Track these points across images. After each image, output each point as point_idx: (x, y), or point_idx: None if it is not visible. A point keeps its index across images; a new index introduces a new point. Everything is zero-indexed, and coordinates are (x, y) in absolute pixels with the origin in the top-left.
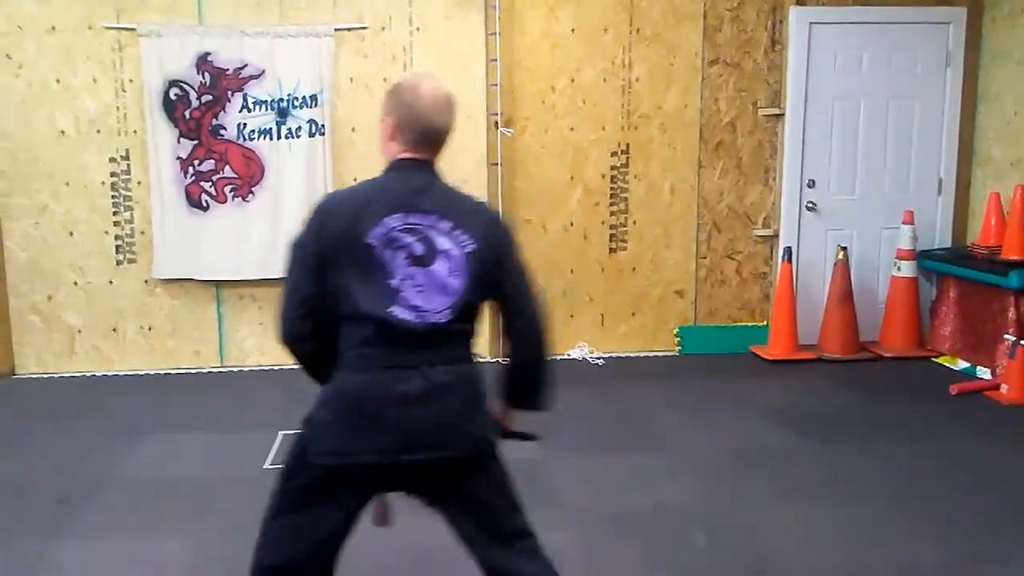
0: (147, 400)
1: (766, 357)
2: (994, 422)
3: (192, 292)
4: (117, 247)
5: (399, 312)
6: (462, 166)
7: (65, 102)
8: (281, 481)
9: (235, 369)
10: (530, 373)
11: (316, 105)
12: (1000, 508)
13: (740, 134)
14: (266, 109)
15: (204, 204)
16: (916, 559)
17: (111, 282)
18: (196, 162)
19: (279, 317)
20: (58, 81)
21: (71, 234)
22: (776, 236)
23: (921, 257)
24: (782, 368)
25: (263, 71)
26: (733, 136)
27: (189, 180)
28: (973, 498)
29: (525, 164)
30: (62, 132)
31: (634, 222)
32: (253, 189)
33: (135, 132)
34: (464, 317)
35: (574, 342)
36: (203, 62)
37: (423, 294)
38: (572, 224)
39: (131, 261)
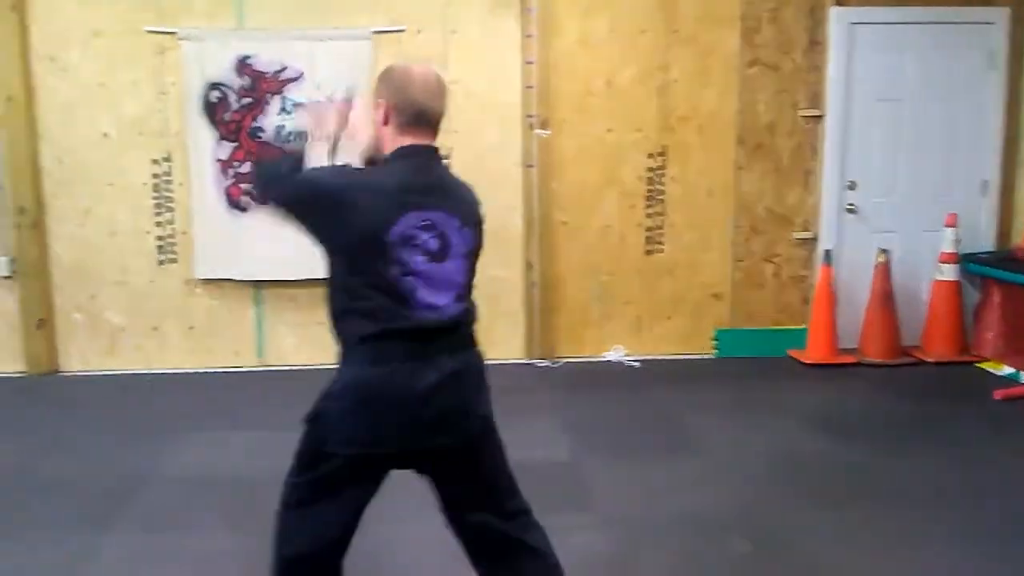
0: (188, 398)
1: (805, 361)
2: None
3: (231, 292)
4: (159, 247)
5: (415, 309)
6: (497, 168)
7: (108, 105)
8: (296, 473)
9: (273, 369)
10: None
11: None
12: None
13: (779, 136)
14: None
15: (243, 205)
16: (959, 567)
17: (152, 282)
18: (236, 164)
19: (272, 179)
20: (101, 84)
21: (114, 235)
22: (816, 239)
23: (965, 260)
24: (821, 372)
25: (301, 74)
26: (772, 138)
27: (229, 181)
28: (1018, 505)
29: (561, 166)
30: (105, 134)
31: (671, 224)
32: None
33: (176, 134)
34: (468, 306)
35: (610, 344)
36: (243, 65)
37: (436, 290)
38: (608, 226)
39: (172, 261)
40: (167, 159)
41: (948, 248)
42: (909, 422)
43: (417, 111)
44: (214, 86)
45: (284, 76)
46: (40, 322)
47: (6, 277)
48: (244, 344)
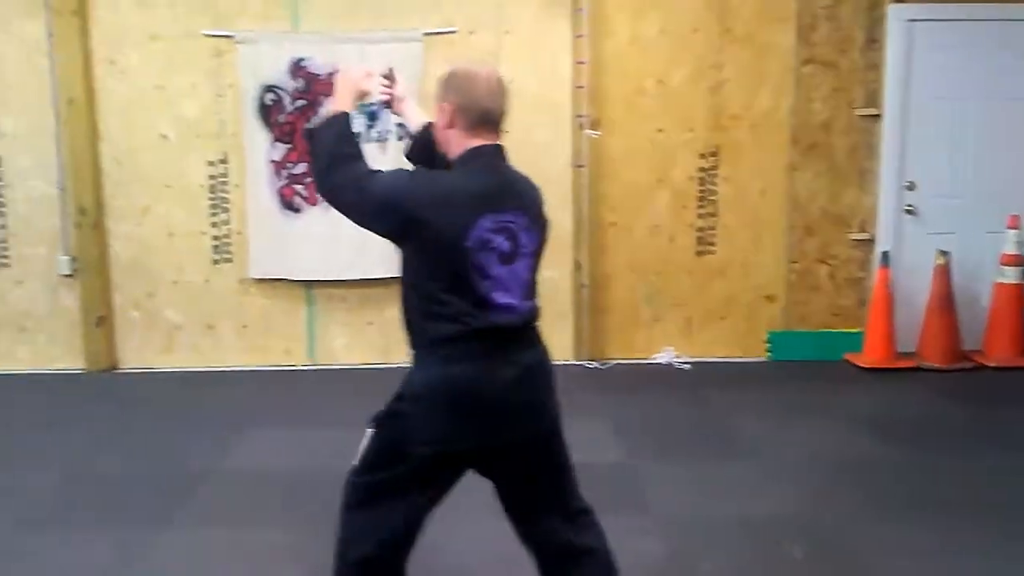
0: (241, 396)
1: (861, 365)
2: None
3: (284, 292)
4: (214, 247)
5: (492, 310)
6: (548, 168)
7: (166, 107)
8: (366, 472)
9: (324, 367)
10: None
11: None
12: None
13: (835, 135)
14: (356, 113)
15: (296, 206)
16: None
17: (208, 281)
18: (289, 165)
19: (337, 182)
20: (160, 87)
21: (171, 235)
22: (873, 240)
23: None
24: (878, 376)
25: None
26: (827, 137)
27: (283, 183)
28: None
29: (611, 166)
30: (163, 136)
31: (723, 225)
32: None
33: (232, 136)
34: (536, 303)
35: (660, 346)
36: (297, 67)
37: (509, 290)
38: (658, 227)
39: (227, 261)
40: (223, 160)
41: (1010, 250)
42: (969, 428)
43: (482, 112)
44: (269, 88)
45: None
46: (100, 320)
47: (67, 276)
48: (296, 343)
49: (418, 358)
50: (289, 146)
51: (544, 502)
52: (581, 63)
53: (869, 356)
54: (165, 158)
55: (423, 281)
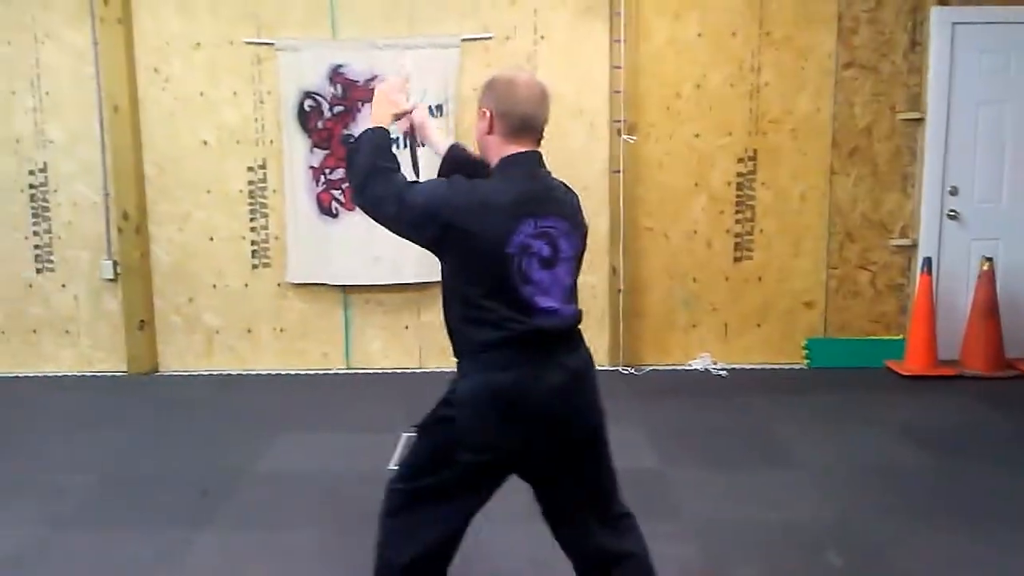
0: (279, 399)
1: (902, 373)
2: None
3: (321, 296)
4: (253, 252)
5: (535, 314)
6: (584, 173)
7: (208, 114)
8: (411, 479)
9: (360, 371)
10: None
11: (442, 115)
12: None
13: (876, 139)
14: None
15: (334, 211)
16: None
17: (247, 285)
18: (327, 171)
19: (377, 195)
20: (201, 94)
21: (211, 239)
22: (915, 246)
23: None
24: (920, 384)
25: None
26: (869, 141)
27: (320, 188)
28: None
29: (648, 171)
30: (204, 142)
31: (761, 230)
32: None
33: (271, 142)
34: (577, 307)
35: (696, 352)
36: (336, 74)
37: (551, 295)
38: (695, 232)
39: (265, 266)
40: (262, 166)
41: None
42: (1011, 437)
43: (522, 120)
44: (308, 95)
45: (375, 84)
46: (141, 323)
47: (110, 280)
48: (333, 347)
49: (464, 365)
50: (327, 152)
51: (585, 506)
52: (618, 68)
53: (910, 364)
54: (206, 164)
55: (465, 288)
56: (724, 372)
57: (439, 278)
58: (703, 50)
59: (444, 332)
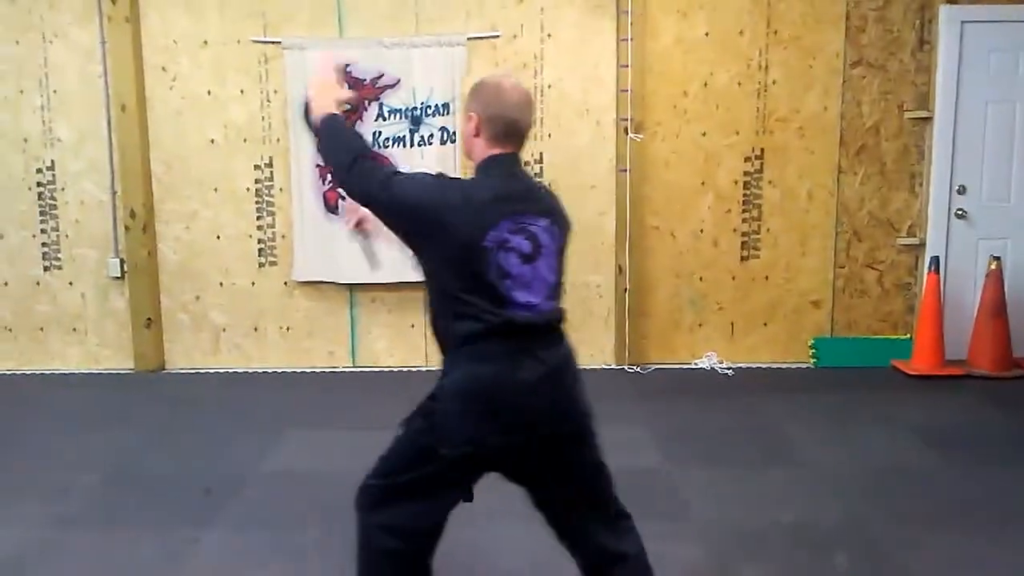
0: (285, 397)
1: (909, 372)
2: None
3: (327, 294)
4: (259, 250)
5: (516, 309)
6: (591, 172)
7: (215, 113)
8: (392, 474)
9: (366, 370)
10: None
11: (448, 113)
12: None
13: (884, 138)
14: (400, 118)
15: (340, 210)
16: None
17: (253, 284)
18: None
19: (364, 180)
20: (209, 93)
21: (218, 238)
22: (922, 245)
23: None
24: (927, 384)
25: (399, 80)
26: (876, 140)
27: (327, 186)
28: None
29: (655, 169)
30: (212, 141)
31: (768, 229)
32: None
33: (278, 141)
34: (559, 303)
35: (702, 351)
36: (342, 73)
37: (531, 290)
38: (702, 231)
39: (272, 264)
40: (269, 165)
41: None
42: (1020, 437)
43: (508, 124)
44: None
45: (381, 83)
46: (148, 321)
47: (117, 278)
48: (339, 345)
49: (447, 360)
50: None
51: (578, 505)
52: (625, 67)
53: (917, 363)
54: (213, 162)
55: (446, 282)
56: (730, 371)
57: None
58: (710, 49)
59: None
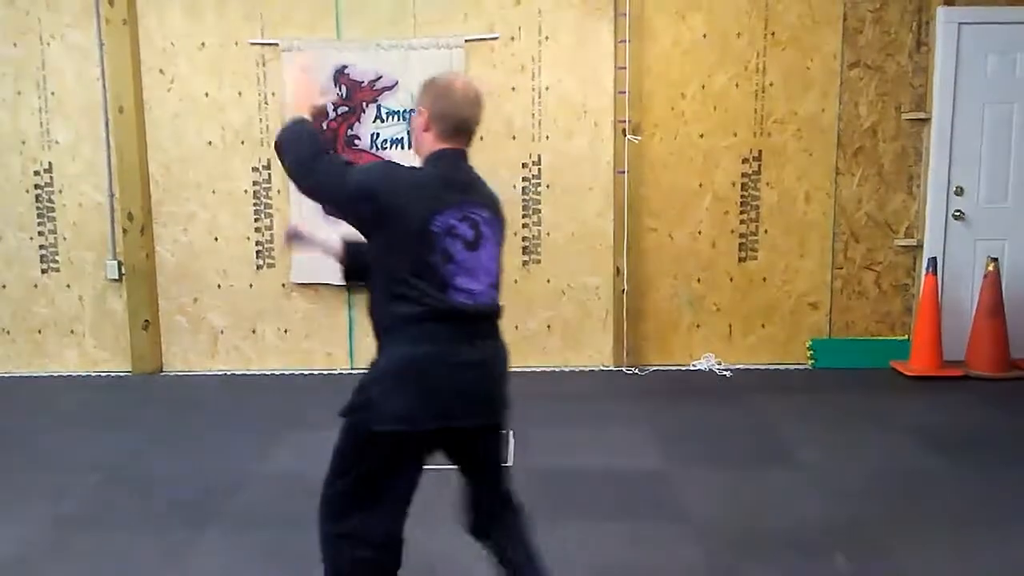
0: (283, 399)
1: (907, 373)
2: None
3: (325, 297)
4: (257, 252)
5: (456, 294)
6: (589, 173)
7: (213, 115)
8: (341, 474)
9: (364, 372)
10: None
11: None
12: None
13: (882, 139)
14: (398, 119)
15: None
16: None
17: (251, 286)
18: None
19: (320, 176)
20: (206, 95)
21: (216, 240)
22: (920, 246)
23: None
24: (925, 385)
25: (396, 82)
26: (874, 141)
27: None
28: None
29: (653, 171)
30: (210, 143)
31: (765, 231)
32: None
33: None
34: (498, 296)
35: (700, 352)
36: (340, 75)
37: (473, 277)
38: (700, 232)
39: (270, 266)
40: (267, 167)
41: None
42: (1018, 438)
43: (457, 121)
44: None
45: (379, 85)
46: (146, 323)
47: (115, 280)
48: (337, 347)
49: (383, 342)
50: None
51: (488, 481)
52: (623, 68)
53: (915, 364)
54: (211, 165)
55: (392, 266)
56: (728, 373)
57: None
58: (708, 51)
59: None
